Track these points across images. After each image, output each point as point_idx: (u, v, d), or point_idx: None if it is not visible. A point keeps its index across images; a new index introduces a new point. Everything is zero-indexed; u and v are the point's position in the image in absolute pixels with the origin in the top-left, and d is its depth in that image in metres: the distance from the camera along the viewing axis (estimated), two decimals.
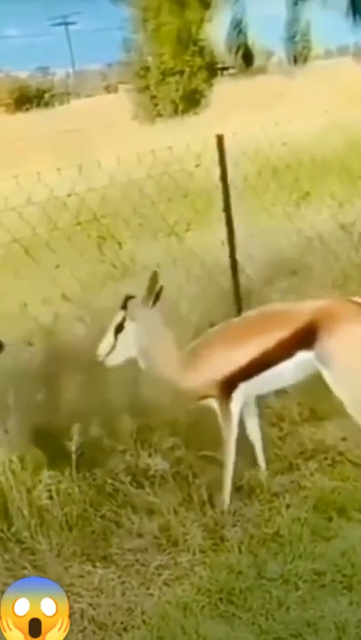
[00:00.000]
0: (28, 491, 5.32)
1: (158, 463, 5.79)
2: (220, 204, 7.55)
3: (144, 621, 4.51)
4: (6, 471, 5.32)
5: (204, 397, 5.41)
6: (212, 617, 4.48)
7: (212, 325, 6.01)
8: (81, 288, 6.82)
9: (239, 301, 7.47)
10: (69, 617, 4.50)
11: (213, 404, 5.37)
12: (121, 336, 5.35)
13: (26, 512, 5.24)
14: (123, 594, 4.78)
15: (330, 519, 5.07)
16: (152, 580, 4.86)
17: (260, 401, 5.80)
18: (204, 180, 8.12)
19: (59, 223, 6.97)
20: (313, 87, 24.94)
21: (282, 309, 5.58)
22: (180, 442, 5.83)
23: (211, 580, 4.76)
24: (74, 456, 5.53)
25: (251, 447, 5.68)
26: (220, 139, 7.21)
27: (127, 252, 8.01)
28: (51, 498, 5.34)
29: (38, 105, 57.05)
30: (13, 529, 5.22)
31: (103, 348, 5.38)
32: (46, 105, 57.44)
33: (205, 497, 5.43)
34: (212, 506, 5.38)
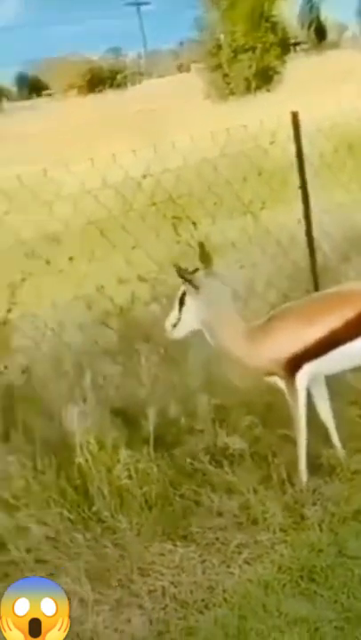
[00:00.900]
0: (108, 471, 5.37)
1: (236, 442, 5.81)
2: (295, 181, 7.51)
3: (225, 599, 4.53)
4: (85, 452, 5.37)
5: (270, 374, 5.38)
6: (294, 595, 4.48)
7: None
8: (157, 268, 6.83)
9: (316, 279, 7.44)
10: (150, 594, 4.62)
11: (279, 382, 5.34)
12: (184, 309, 5.37)
13: (106, 492, 5.29)
14: (203, 572, 4.80)
15: None
16: (232, 559, 4.87)
17: (340, 379, 5.76)
18: (279, 157, 8.06)
19: (134, 204, 6.99)
20: None
21: (355, 289, 5.51)
22: (258, 421, 5.84)
23: (292, 558, 4.77)
24: (152, 436, 5.58)
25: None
26: (294, 115, 7.17)
27: (202, 231, 7.99)
28: (130, 477, 5.38)
29: (111, 86, 57.19)
30: (94, 508, 5.26)
31: (169, 321, 5.44)
32: (118, 86, 57.58)
33: (285, 475, 5.41)
34: (292, 484, 5.36)
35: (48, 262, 6.41)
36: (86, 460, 5.37)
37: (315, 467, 5.48)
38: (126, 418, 5.90)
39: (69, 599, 4.54)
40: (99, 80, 59.08)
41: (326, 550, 4.77)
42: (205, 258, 5.38)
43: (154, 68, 66.66)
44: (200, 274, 5.36)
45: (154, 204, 7.09)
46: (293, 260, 7.83)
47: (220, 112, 23.60)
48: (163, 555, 4.96)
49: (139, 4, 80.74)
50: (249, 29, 35.18)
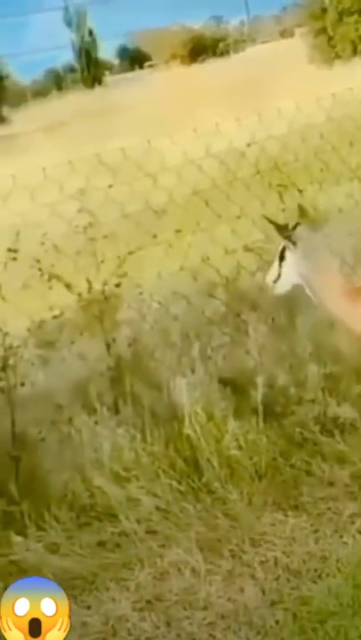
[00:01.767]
0: (217, 441, 5.37)
1: (347, 411, 5.75)
2: None
3: (338, 569, 4.49)
4: (193, 423, 5.38)
5: None
6: None
7: None
8: (263, 237, 6.77)
9: None
10: (262, 565, 4.61)
11: None
12: (284, 264, 5.27)
13: (215, 463, 5.29)
14: (316, 542, 4.77)
15: None
16: (345, 529, 4.83)
17: None
18: None
19: (238, 173, 6.94)
20: None
21: None
22: None
23: None
24: (260, 406, 5.56)
25: None
26: None
27: (309, 198, 7.89)
28: (239, 448, 5.38)
29: (213, 55, 56.87)
30: (204, 479, 5.28)
31: (270, 276, 5.37)
32: (221, 54, 57.20)
33: None
34: None
35: (155, 236, 6.43)
36: (195, 431, 5.39)
37: None
38: (235, 388, 5.89)
39: (181, 569, 4.63)
40: (201, 49, 58.77)
41: None
42: (303, 214, 5.32)
43: (257, 35, 65.97)
44: (298, 229, 5.28)
45: (258, 172, 7.03)
46: None
47: (326, 76, 23.28)
48: (274, 525, 4.94)
49: None
50: None
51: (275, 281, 5.34)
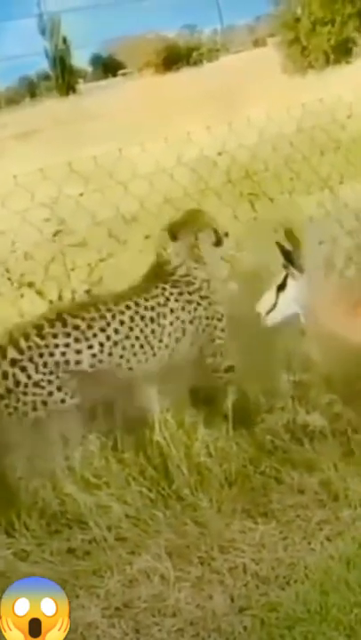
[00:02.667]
0: (187, 448, 5.39)
1: (317, 419, 5.79)
2: None
3: (307, 576, 4.52)
4: (163, 430, 5.40)
5: None
6: None
7: None
8: (234, 246, 6.81)
9: None
10: (231, 571, 4.63)
11: None
12: (282, 294, 5.25)
13: (185, 470, 5.31)
14: (285, 549, 4.79)
15: None
16: (314, 535, 4.86)
17: None
18: (357, 130, 7.97)
19: (209, 182, 6.98)
20: None
21: None
22: (337, 397, 5.79)
23: None
24: (230, 414, 5.58)
25: None
26: None
27: (280, 207, 7.94)
28: (209, 455, 5.40)
29: (187, 64, 56.97)
30: (174, 486, 5.29)
31: (264, 306, 5.31)
32: (195, 63, 57.27)
33: None
34: None
35: (125, 242, 6.45)
36: (165, 439, 5.40)
37: None
38: (205, 396, 5.92)
39: (150, 576, 4.64)
40: (175, 58, 58.75)
41: None
42: (296, 241, 5.24)
43: (230, 44, 66.11)
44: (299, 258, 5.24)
45: (230, 181, 7.07)
46: None
47: (299, 86, 23.41)
48: (243, 532, 4.97)
49: None
50: (326, 1, 34.75)
51: (269, 311, 5.27)
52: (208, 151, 6.72)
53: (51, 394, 5.28)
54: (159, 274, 5.76)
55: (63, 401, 5.31)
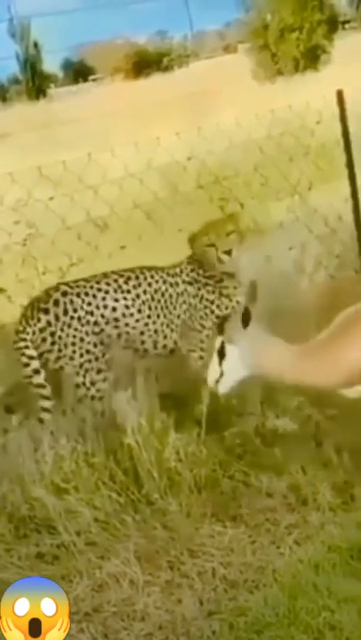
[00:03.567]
0: (158, 453, 5.39)
1: (286, 424, 5.82)
2: (342, 160, 7.46)
3: (275, 579, 4.53)
4: (135, 435, 5.40)
5: (350, 385, 4.90)
6: (344, 574, 4.46)
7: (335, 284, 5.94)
8: None
9: None
10: (200, 575, 4.64)
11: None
12: (225, 362, 4.93)
13: (155, 474, 5.31)
14: (253, 553, 4.80)
15: None
16: (282, 539, 4.87)
17: None
18: (326, 137, 8.02)
19: (180, 187, 7.00)
20: None
21: None
22: (306, 401, 5.82)
23: (341, 537, 4.74)
24: (204, 419, 5.59)
25: None
26: (340, 94, 7.12)
27: (249, 213, 7.97)
28: (179, 460, 5.41)
29: (158, 70, 57.02)
30: (143, 491, 5.29)
31: (211, 376, 5.01)
32: (165, 69, 57.37)
33: (334, 456, 5.39)
34: (341, 464, 5.35)
35: (96, 247, 6.46)
36: (136, 443, 5.40)
37: None
38: (176, 401, 5.93)
39: (119, 581, 4.64)
40: (145, 63, 58.85)
41: None
42: (252, 297, 4.90)
43: (201, 50, 66.31)
44: (232, 322, 4.95)
45: (200, 186, 7.09)
46: (342, 240, 7.81)
47: (268, 92, 23.45)
48: (212, 536, 4.97)
49: None
50: (296, 8, 34.94)
51: (217, 381, 4.99)
52: (178, 156, 6.74)
53: None
54: None
55: None
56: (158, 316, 5.99)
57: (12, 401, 6.13)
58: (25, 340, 5.75)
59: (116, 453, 5.43)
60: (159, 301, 5.99)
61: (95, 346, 5.83)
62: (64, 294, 5.80)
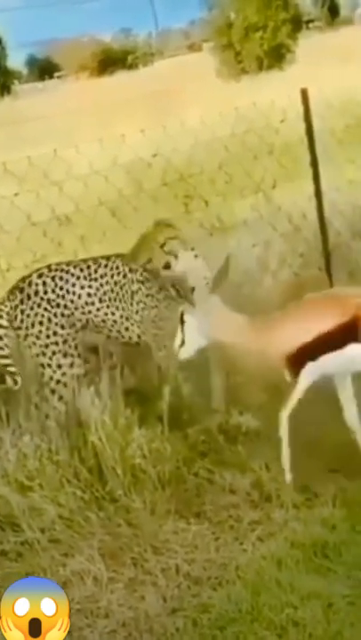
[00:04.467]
0: (122, 450, 5.39)
1: (249, 420, 5.84)
2: (306, 159, 7.49)
3: (238, 576, 4.54)
4: (99, 431, 5.39)
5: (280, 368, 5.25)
6: (307, 571, 4.49)
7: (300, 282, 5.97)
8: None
9: (328, 256, 7.43)
10: (164, 572, 4.64)
11: (287, 376, 5.26)
12: (185, 330, 5.23)
13: (119, 471, 5.31)
14: (217, 549, 4.81)
15: None
16: (246, 536, 4.88)
17: None
18: (290, 135, 8.06)
19: (144, 184, 7.00)
20: None
21: (341, 296, 5.30)
22: (270, 399, 5.83)
23: (305, 534, 4.77)
24: (165, 416, 5.60)
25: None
26: (304, 92, 7.15)
27: (214, 210, 8.00)
28: (143, 457, 5.41)
29: (123, 67, 56.96)
30: (108, 488, 5.29)
31: (176, 342, 5.31)
32: (130, 67, 57.34)
33: (298, 452, 5.41)
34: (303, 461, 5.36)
35: (59, 244, 6.45)
36: (100, 440, 5.40)
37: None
38: (141, 398, 5.94)
39: (83, 578, 4.64)
40: (110, 61, 58.80)
41: (339, 526, 4.78)
42: (226, 272, 5.28)
43: (165, 49, 66.39)
44: (194, 292, 5.30)
45: (165, 184, 7.09)
46: (305, 238, 7.84)
47: (233, 91, 23.47)
48: (176, 533, 4.97)
49: None
50: (260, 7, 35.04)
51: (180, 346, 5.27)
52: (143, 154, 6.74)
53: None
54: None
55: None
56: (117, 308, 6.00)
57: None
58: (1, 316, 5.88)
59: (80, 451, 5.42)
60: (118, 294, 6.00)
61: (63, 328, 5.85)
62: (40, 276, 5.89)
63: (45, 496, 5.14)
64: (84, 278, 5.94)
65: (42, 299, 5.86)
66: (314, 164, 7.25)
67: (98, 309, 5.97)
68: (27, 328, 5.87)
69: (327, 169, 7.49)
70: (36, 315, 5.85)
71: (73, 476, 5.30)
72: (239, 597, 4.35)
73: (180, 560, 4.74)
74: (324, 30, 46.28)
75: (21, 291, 5.89)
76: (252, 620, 4.19)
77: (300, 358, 5.15)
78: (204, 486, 5.36)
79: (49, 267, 5.96)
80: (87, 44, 61.40)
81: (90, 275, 5.95)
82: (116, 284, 5.98)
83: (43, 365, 5.87)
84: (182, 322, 5.23)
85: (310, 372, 5.16)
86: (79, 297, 5.92)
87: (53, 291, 5.87)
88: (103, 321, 6.01)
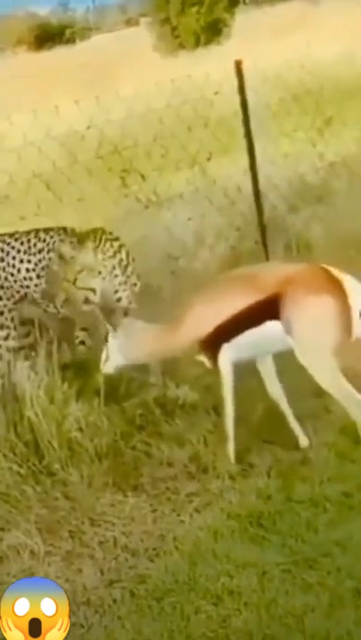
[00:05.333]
0: (58, 424, 5.37)
1: (186, 393, 5.85)
2: (241, 132, 7.48)
3: (176, 547, 4.56)
4: (35, 406, 5.37)
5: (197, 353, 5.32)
6: (243, 541, 4.52)
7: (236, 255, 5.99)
8: (104, 222, 6.80)
9: (263, 230, 7.45)
10: (101, 545, 4.65)
11: (206, 362, 5.30)
12: (109, 348, 5.39)
13: (56, 445, 5.30)
14: (154, 521, 4.83)
15: (357, 441, 5.06)
16: (183, 508, 4.90)
17: None
18: (225, 108, 8.04)
19: (79, 157, 6.94)
20: (337, 12, 24.45)
21: (252, 274, 5.30)
22: (206, 370, 5.84)
23: (240, 504, 4.80)
24: (102, 389, 5.59)
25: None
26: (238, 64, 7.14)
27: (150, 184, 7.96)
28: (80, 430, 5.40)
29: (60, 42, 56.38)
30: (45, 462, 5.28)
31: (102, 357, 5.46)
32: (67, 42, 56.79)
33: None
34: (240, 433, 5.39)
35: None
36: (36, 415, 5.38)
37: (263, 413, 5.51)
38: (77, 372, 5.92)
39: (20, 552, 4.62)
40: (48, 36, 58.14)
41: (274, 496, 4.82)
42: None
43: (103, 23, 65.83)
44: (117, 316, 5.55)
45: (100, 156, 7.04)
46: (241, 212, 7.85)
47: (169, 65, 23.42)
48: (113, 505, 4.98)
49: None
50: None
51: (104, 362, 5.43)
52: (77, 126, 6.68)
53: None
54: None
55: None
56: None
57: None
58: None
59: (15, 425, 5.40)
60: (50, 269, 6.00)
61: (0, 299, 5.84)
62: None
63: None
64: (24, 252, 5.92)
65: None
66: (248, 136, 7.25)
67: (36, 285, 5.94)
68: None
69: (262, 142, 7.49)
70: None
71: (9, 451, 5.29)
72: (176, 568, 4.37)
73: (117, 532, 4.75)
74: (261, 5, 46.20)
75: None
76: (189, 589, 4.21)
77: (214, 341, 5.16)
78: (142, 459, 5.37)
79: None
80: (24, 19, 60.63)
81: (29, 249, 5.93)
82: (51, 259, 5.95)
83: None
84: (107, 340, 5.39)
85: (227, 356, 5.16)
86: (18, 271, 5.91)
87: None
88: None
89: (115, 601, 4.25)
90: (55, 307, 6.00)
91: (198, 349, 5.25)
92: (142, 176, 7.75)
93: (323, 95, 10.42)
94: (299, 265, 5.38)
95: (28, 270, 5.91)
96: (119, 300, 5.88)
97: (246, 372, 5.28)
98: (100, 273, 5.92)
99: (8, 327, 5.90)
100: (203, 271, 6.76)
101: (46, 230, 6.03)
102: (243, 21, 34.24)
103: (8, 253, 5.89)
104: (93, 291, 5.90)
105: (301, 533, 4.47)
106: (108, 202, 7.16)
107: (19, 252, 5.91)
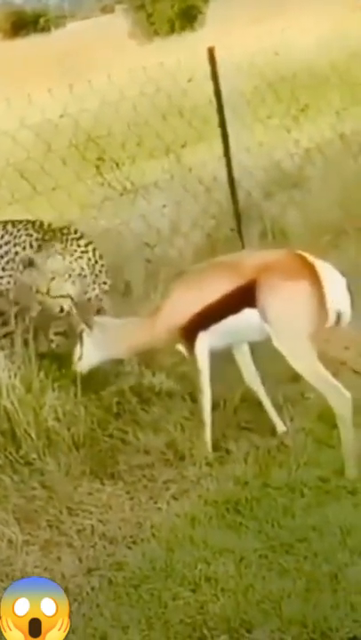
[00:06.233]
0: (35, 413, 5.38)
1: (162, 381, 5.86)
2: (216, 120, 7.48)
3: (153, 534, 4.58)
4: (11, 396, 5.37)
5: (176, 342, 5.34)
6: (220, 527, 4.54)
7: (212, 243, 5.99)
8: (79, 210, 6.80)
9: (238, 217, 7.46)
10: (79, 533, 4.65)
11: (183, 350, 5.30)
12: (84, 347, 5.42)
13: (33, 434, 5.31)
14: (131, 509, 4.84)
15: (334, 427, 5.07)
16: (160, 495, 4.92)
17: None
18: (200, 96, 8.02)
19: (53, 145, 6.91)
20: None
21: (230, 262, 5.31)
22: (182, 359, 5.85)
23: (217, 491, 4.83)
24: (79, 378, 5.59)
25: None
26: (210, 51, 7.12)
27: (125, 172, 7.95)
28: (57, 419, 5.41)
29: (35, 30, 56.05)
30: (22, 451, 5.29)
31: (75, 356, 5.49)
32: (42, 30, 56.46)
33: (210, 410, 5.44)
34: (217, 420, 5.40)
35: None
36: (12, 404, 5.37)
37: (241, 400, 5.53)
38: (53, 360, 5.92)
39: None
40: (22, 24, 57.82)
41: (251, 482, 4.84)
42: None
43: (78, 11, 65.50)
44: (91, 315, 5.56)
45: (74, 145, 7.03)
46: (217, 200, 7.85)
47: (145, 53, 23.29)
48: (91, 494, 4.99)
49: None
50: None
51: (79, 359, 5.46)
52: (50, 114, 6.65)
53: None
54: None
55: None
56: (11, 276, 6.02)
57: None
58: None
59: None
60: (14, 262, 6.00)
61: None
62: None
63: None
64: None
65: None
66: (222, 124, 7.25)
67: (1, 277, 5.95)
68: None
69: (237, 130, 7.48)
70: None
71: None
72: (153, 555, 4.39)
73: (95, 520, 4.77)
74: None
75: None
76: (166, 576, 4.23)
77: (192, 329, 5.16)
78: (119, 447, 5.38)
79: None
80: None
81: None
82: (17, 253, 5.96)
83: None
84: (81, 338, 5.40)
85: (204, 343, 5.17)
86: None
87: None
88: (7, 290, 5.99)
89: (93, 589, 4.27)
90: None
91: (177, 338, 5.25)
92: (117, 164, 7.74)
93: (297, 82, 10.42)
94: (275, 251, 5.38)
95: None
96: (89, 300, 5.89)
97: (222, 359, 5.28)
98: (69, 277, 5.94)
99: None
100: (178, 259, 6.77)
101: (12, 223, 6.01)
102: (217, 8, 34.12)
103: None
104: (68, 297, 5.94)
105: (278, 519, 4.50)
106: (83, 190, 7.14)
107: None
